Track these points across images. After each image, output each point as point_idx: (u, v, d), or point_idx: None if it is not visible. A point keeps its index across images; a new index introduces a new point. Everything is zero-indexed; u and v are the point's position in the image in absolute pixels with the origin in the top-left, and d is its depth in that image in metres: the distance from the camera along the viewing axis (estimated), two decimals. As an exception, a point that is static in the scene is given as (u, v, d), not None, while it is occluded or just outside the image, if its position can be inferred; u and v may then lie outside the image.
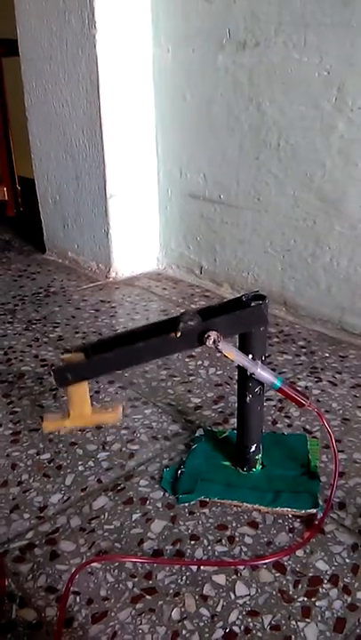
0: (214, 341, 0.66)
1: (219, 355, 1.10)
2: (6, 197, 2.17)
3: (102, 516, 0.70)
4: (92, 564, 0.63)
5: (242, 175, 1.30)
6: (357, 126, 1.05)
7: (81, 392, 0.80)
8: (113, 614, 0.58)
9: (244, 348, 0.69)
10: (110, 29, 1.32)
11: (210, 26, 1.25)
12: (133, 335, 0.72)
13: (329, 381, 1.01)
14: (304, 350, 1.14)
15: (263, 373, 0.69)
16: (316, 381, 1.01)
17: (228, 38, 1.22)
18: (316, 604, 0.59)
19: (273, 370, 1.05)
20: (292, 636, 0.55)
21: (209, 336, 0.66)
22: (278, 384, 0.69)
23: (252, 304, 0.67)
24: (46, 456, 0.82)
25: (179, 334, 0.66)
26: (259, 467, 0.77)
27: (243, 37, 1.19)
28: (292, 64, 1.12)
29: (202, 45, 1.28)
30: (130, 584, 0.61)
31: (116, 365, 0.75)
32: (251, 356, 0.69)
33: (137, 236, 1.56)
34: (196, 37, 1.29)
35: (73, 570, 0.62)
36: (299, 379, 1.02)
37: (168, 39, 1.36)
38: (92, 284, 1.54)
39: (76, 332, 1.24)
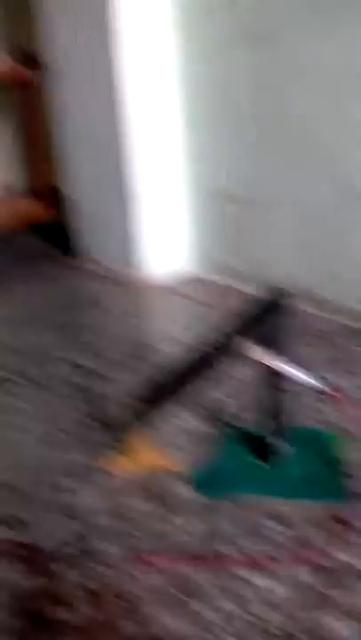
0: (255, 355, 0.71)
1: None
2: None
3: (137, 518, 0.72)
4: (128, 563, 0.65)
5: (267, 171, 1.30)
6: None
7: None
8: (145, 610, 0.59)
9: (271, 344, 0.71)
10: (132, 28, 1.34)
11: (231, 20, 1.25)
12: (181, 374, 0.75)
13: (352, 373, 1.00)
14: (330, 344, 1.13)
15: (301, 375, 0.71)
16: (344, 375, 1.01)
17: (250, 30, 1.22)
18: (348, 601, 0.59)
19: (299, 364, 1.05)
20: (327, 636, 0.56)
21: (249, 350, 0.70)
22: (315, 383, 0.71)
23: (279, 301, 0.69)
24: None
25: (220, 358, 0.71)
26: (286, 462, 0.78)
27: (265, 29, 1.19)
28: (317, 55, 1.11)
29: (224, 39, 1.28)
30: (163, 582, 0.62)
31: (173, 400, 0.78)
32: (277, 351, 0.71)
33: (165, 237, 1.56)
34: (218, 31, 1.29)
35: (112, 570, 0.64)
36: (325, 373, 1.01)
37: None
38: (121, 289, 1.55)
39: (109, 339, 1.25)
